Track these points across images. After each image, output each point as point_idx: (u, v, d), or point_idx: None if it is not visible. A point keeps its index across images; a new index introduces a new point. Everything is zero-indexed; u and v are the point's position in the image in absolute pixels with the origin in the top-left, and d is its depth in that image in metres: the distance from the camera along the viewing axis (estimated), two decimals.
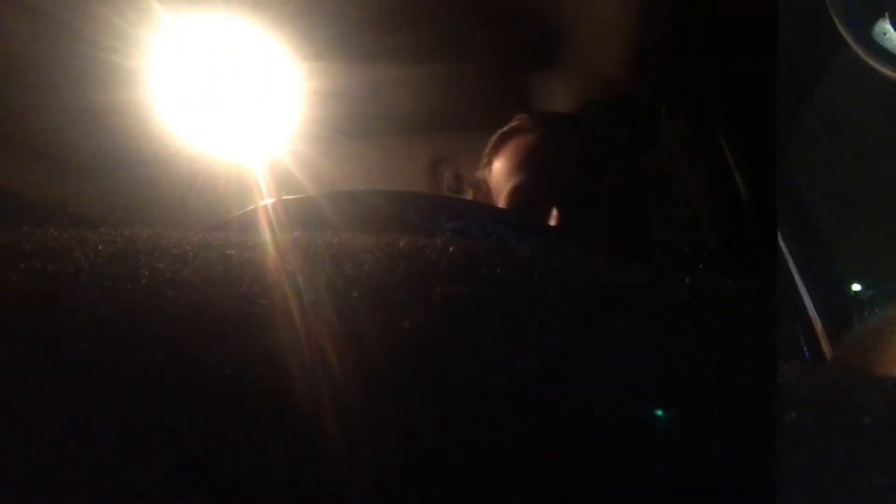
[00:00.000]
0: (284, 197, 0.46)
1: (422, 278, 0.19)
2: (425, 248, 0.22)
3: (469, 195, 0.83)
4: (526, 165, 0.71)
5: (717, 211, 0.77)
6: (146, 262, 0.20)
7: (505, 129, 0.77)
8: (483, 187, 0.77)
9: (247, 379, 0.15)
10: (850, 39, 0.57)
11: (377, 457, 0.14)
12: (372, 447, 0.14)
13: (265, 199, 0.46)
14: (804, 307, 0.88)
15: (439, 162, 1.08)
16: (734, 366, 0.17)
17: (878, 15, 0.58)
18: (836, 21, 0.58)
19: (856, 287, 0.96)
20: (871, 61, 0.57)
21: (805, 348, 0.88)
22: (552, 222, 0.68)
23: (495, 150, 0.76)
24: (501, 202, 0.72)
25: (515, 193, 0.70)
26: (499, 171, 0.74)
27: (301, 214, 0.44)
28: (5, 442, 0.14)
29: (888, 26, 0.58)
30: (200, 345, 0.16)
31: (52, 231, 0.23)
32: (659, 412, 0.15)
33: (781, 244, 0.86)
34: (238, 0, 0.71)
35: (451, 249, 0.21)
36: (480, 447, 0.14)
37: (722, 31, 0.73)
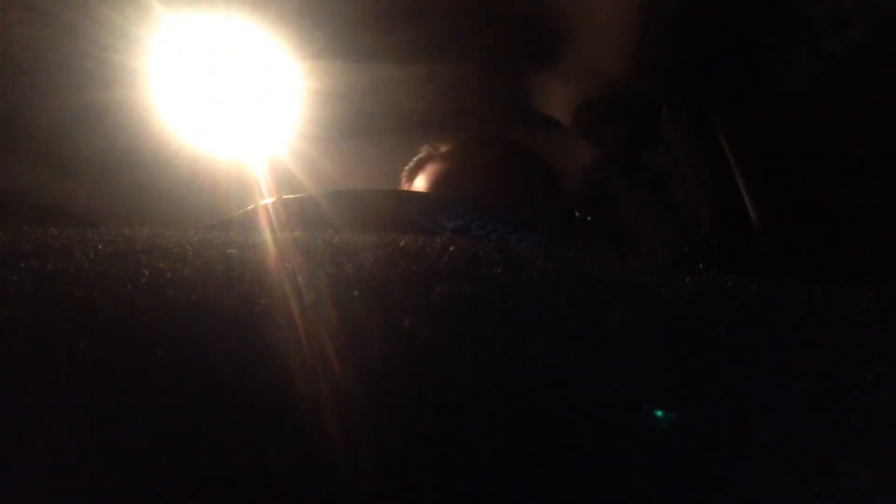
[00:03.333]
0: (284, 196, 0.46)
1: (422, 278, 0.19)
2: (425, 248, 0.21)
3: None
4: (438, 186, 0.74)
5: (717, 210, 0.76)
6: (146, 261, 0.20)
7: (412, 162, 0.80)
8: None
9: (247, 378, 0.15)
10: None
11: (377, 455, 0.14)
12: (372, 445, 0.14)
13: (265, 199, 0.46)
14: None
15: None
16: (735, 365, 0.17)
17: None
18: None
19: None
20: None
21: None
22: None
23: (410, 178, 0.80)
24: None
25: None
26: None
27: (301, 214, 0.44)
28: (6, 440, 0.14)
29: None
30: (200, 344, 0.16)
31: (52, 231, 0.23)
32: (659, 413, 0.15)
33: None
34: (238, 0, 0.70)
35: (451, 249, 0.21)
36: (480, 445, 0.14)
37: (723, 30, 0.73)
